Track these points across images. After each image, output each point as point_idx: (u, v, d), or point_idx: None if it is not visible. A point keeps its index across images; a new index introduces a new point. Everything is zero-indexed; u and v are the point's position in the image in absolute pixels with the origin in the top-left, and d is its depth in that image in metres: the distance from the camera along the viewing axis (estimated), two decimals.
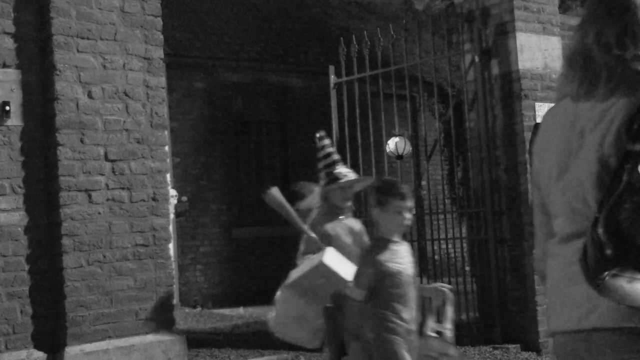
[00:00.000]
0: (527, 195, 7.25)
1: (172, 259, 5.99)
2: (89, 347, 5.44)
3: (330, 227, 4.81)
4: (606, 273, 1.82)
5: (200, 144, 12.63)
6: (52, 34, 5.47)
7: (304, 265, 4.61)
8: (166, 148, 6.02)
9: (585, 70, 2.07)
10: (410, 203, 4.18)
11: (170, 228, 6.58)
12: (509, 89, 7.34)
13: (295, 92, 13.82)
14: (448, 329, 4.15)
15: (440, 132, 8.38)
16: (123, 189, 5.72)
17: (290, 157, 13.73)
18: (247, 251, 12.99)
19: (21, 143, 5.43)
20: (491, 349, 7.19)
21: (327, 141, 5.11)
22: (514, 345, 7.16)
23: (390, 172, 9.32)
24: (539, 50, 7.39)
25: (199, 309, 11.72)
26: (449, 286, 4.34)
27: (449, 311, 4.20)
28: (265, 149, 13.66)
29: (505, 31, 7.35)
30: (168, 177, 6.09)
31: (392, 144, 10.08)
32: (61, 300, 5.42)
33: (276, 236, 13.31)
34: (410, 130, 13.53)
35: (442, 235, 8.37)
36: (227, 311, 11.36)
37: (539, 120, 7.31)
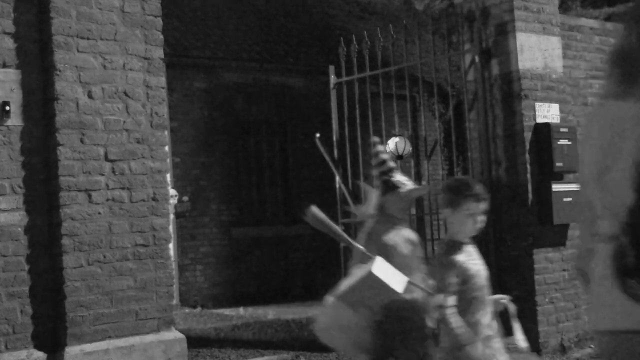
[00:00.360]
0: (527, 195, 7.25)
1: (172, 259, 5.98)
2: (89, 347, 5.44)
3: (389, 237, 4.60)
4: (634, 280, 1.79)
5: (200, 144, 12.63)
6: (52, 34, 5.47)
7: (353, 276, 4.44)
8: (166, 148, 6.02)
9: (625, 69, 2.04)
10: (484, 205, 3.97)
11: (170, 228, 6.58)
12: (509, 89, 7.34)
13: (295, 92, 13.82)
14: (521, 340, 4.01)
15: (440, 132, 8.38)
16: (123, 189, 5.72)
17: (290, 157, 13.74)
18: (247, 251, 13.00)
19: (21, 143, 5.43)
20: None
21: (381, 147, 4.90)
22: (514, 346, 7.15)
23: None
24: (539, 50, 7.39)
25: (199, 309, 11.72)
26: (508, 297, 4.17)
27: (516, 323, 4.04)
28: (265, 149, 13.66)
29: (505, 31, 7.35)
30: (168, 177, 6.09)
31: (392, 144, 10.07)
32: (61, 300, 5.42)
33: (276, 236, 13.32)
34: (410, 130, 13.53)
35: (442, 235, 8.35)
36: (227, 311, 11.36)
37: (539, 120, 7.32)
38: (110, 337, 5.56)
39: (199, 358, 7.29)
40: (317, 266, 13.45)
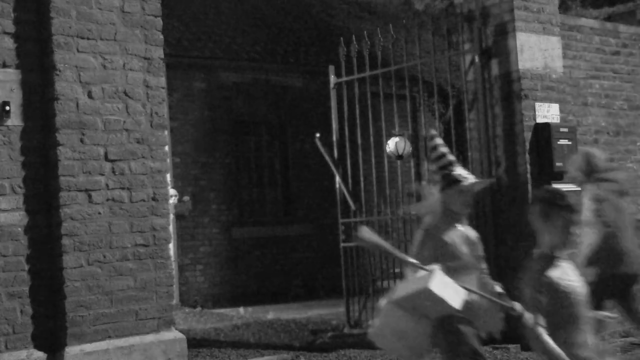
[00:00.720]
0: (527, 195, 7.24)
1: (172, 259, 5.98)
2: (89, 347, 5.44)
3: (447, 235, 4.39)
4: None
5: (200, 144, 12.63)
6: (52, 34, 5.47)
7: (410, 283, 4.25)
8: (166, 148, 6.01)
9: None
10: (577, 216, 3.77)
11: (170, 228, 6.57)
12: (509, 89, 7.34)
13: (295, 92, 13.82)
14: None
15: (440, 132, 8.37)
16: (123, 189, 5.72)
17: (290, 157, 13.73)
18: (247, 251, 13.00)
19: (21, 143, 5.43)
20: (491, 349, 7.18)
21: (439, 140, 4.64)
22: (514, 345, 7.16)
23: (390, 172, 9.32)
24: (539, 50, 7.39)
25: (199, 309, 11.71)
26: (614, 316, 3.99)
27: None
28: (265, 149, 13.66)
29: (505, 31, 7.35)
30: (168, 177, 6.09)
31: (392, 144, 10.07)
32: (61, 300, 5.42)
33: (276, 236, 13.32)
34: (410, 130, 13.53)
35: None
36: (227, 311, 11.36)
37: (539, 120, 7.32)
38: (110, 337, 5.56)
39: (199, 358, 7.29)
40: (317, 266, 13.45)
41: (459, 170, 4.48)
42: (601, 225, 5.76)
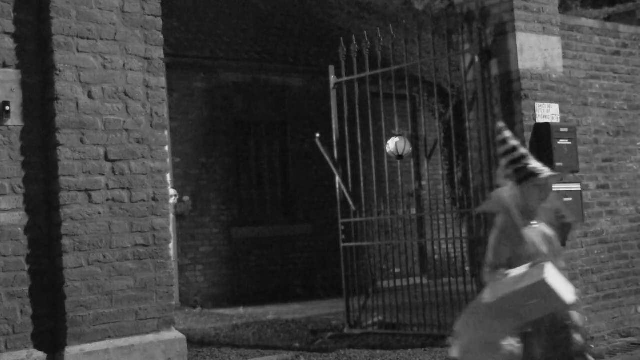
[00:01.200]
0: None
1: (172, 259, 5.97)
2: (89, 347, 5.44)
3: (525, 234, 4.19)
4: None
5: (200, 144, 12.63)
6: (52, 34, 5.47)
7: (512, 281, 3.98)
8: (166, 148, 6.01)
9: None
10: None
11: (170, 228, 6.57)
12: (509, 89, 7.33)
13: (295, 92, 13.82)
14: None
15: (440, 132, 8.38)
16: (123, 189, 5.72)
17: (290, 157, 13.74)
18: (247, 251, 13.00)
19: (21, 143, 5.43)
20: None
21: (507, 133, 4.41)
22: None
23: (391, 172, 9.32)
24: (539, 50, 7.39)
25: (199, 309, 11.72)
26: None
27: None
28: (265, 149, 13.66)
29: (505, 31, 7.35)
30: (168, 177, 6.09)
31: (392, 144, 10.09)
32: (61, 300, 5.42)
33: (276, 236, 13.32)
34: (410, 130, 13.54)
35: (442, 235, 8.36)
36: (227, 311, 11.36)
37: (539, 120, 7.31)
38: (110, 337, 5.56)
39: (199, 358, 7.29)
40: (317, 266, 13.46)
41: (533, 163, 4.26)
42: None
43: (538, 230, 4.25)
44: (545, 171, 4.25)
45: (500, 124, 4.59)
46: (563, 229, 4.49)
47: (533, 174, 4.20)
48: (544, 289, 3.83)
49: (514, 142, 4.35)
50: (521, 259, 4.13)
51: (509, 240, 4.19)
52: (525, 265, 4.01)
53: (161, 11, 6.02)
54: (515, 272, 4.00)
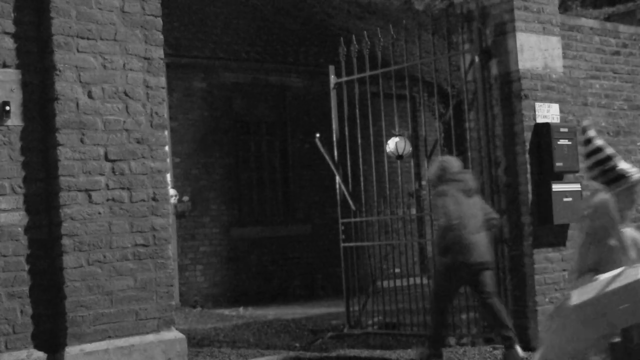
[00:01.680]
0: (527, 195, 7.25)
1: (172, 259, 5.97)
2: (89, 347, 5.44)
3: (613, 239, 3.99)
4: None
5: (200, 144, 12.63)
6: (52, 34, 5.47)
7: (602, 283, 3.77)
8: (166, 148, 6.01)
9: None
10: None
11: (170, 228, 6.57)
12: (509, 89, 7.34)
13: (295, 92, 13.82)
14: None
15: (440, 132, 8.38)
16: (123, 189, 5.72)
17: (290, 157, 13.74)
18: (247, 251, 13.00)
19: (21, 143, 5.42)
20: (491, 349, 7.19)
21: (592, 132, 4.16)
22: None
23: (390, 172, 9.32)
24: (539, 50, 7.39)
25: (199, 309, 11.71)
26: None
27: None
28: (265, 149, 13.66)
29: (505, 31, 7.35)
30: (168, 177, 6.09)
31: (392, 144, 10.08)
32: (61, 300, 5.42)
33: (276, 236, 13.32)
34: (410, 130, 13.53)
35: None
36: (227, 311, 11.37)
37: (539, 120, 7.31)
38: (110, 337, 5.56)
39: (199, 358, 7.29)
40: (317, 266, 13.46)
41: (622, 164, 4.06)
42: (445, 218, 6.45)
43: (628, 236, 4.08)
44: (635, 172, 4.08)
45: (586, 123, 4.38)
46: None
47: (623, 176, 4.03)
48: (638, 292, 3.63)
49: (600, 142, 4.15)
50: (609, 264, 3.95)
51: (596, 245, 3.99)
52: (616, 269, 3.83)
53: (161, 11, 6.02)
54: (605, 275, 3.83)
